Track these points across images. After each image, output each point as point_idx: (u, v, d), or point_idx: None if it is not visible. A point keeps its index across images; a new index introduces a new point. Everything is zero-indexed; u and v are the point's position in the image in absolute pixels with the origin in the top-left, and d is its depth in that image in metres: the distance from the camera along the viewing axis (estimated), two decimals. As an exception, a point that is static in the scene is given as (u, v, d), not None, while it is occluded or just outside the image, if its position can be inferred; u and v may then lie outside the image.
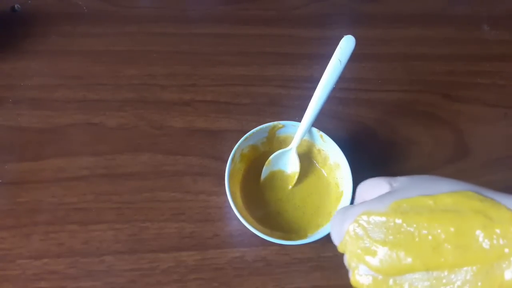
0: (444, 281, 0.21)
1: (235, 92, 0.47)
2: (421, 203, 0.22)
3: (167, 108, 0.45)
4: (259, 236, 0.33)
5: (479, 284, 0.20)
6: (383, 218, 0.22)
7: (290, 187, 0.40)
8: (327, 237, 0.33)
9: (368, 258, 0.23)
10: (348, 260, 0.24)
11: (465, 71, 0.52)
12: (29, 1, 0.52)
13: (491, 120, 0.48)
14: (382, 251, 0.22)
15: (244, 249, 0.38)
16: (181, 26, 0.52)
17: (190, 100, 0.46)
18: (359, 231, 0.23)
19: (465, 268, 0.20)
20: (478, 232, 0.20)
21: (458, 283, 0.20)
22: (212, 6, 0.55)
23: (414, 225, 0.22)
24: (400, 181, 0.25)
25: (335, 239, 0.26)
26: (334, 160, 0.39)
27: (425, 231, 0.21)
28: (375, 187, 0.26)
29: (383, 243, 0.22)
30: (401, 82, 0.50)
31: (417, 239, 0.21)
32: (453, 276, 0.21)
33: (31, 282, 0.35)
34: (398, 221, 0.22)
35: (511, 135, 0.47)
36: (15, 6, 0.51)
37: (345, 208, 0.26)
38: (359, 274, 0.23)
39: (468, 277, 0.20)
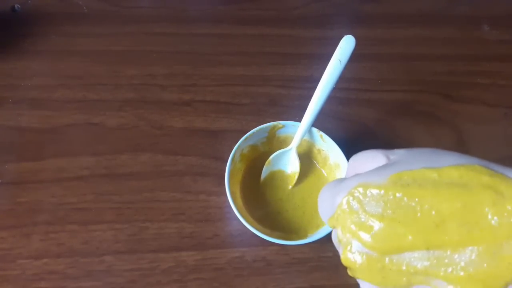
0: (446, 261, 0.19)
1: (235, 92, 0.47)
2: (424, 176, 0.20)
3: (167, 108, 0.45)
4: (259, 236, 0.33)
5: (485, 265, 0.18)
6: (382, 191, 0.20)
7: (290, 187, 0.40)
8: (327, 237, 0.33)
9: (362, 234, 0.20)
10: (339, 236, 0.22)
11: (465, 71, 0.52)
12: (29, 1, 0.52)
13: (491, 120, 0.48)
14: (379, 227, 0.20)
15: (244, 249, 0.38)
16: (181, 26, 0.52)
17: (190, 100, 0.46)
18: (354, 204, 0.21)
19: (470, 248, 0.18)
20: (487, 208, 0.18)
21: (462, 263, 0.18)
22: (212, 6, 0.55)
23: (416, 199, 0.19)
24: (398, 154, 0.23)
25: (324, 214, 0.24)
26: (334, 160, 0.39)
27: (427, 206, 0.19)
28: (370, 159, 0.24)
29: (381, 218, 0.20)
30: (401, 82, 0.50)
31: (418, 215, 0.19)
32: (456, 256, 0.19)
33: (31, 282, 0.35)
34: (399, 194, 0.20)
35: (511, 135, 0.47)
36: (15, 6, 0.51)
37: (336, 181, 0.24)
38: (351, 251, 0.21)
39: (473, 257, 0.18)
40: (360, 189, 0.21)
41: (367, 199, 0.21)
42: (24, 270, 0.35)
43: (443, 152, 0.22)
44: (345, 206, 0.21)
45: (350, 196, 0.21)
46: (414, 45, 0.53)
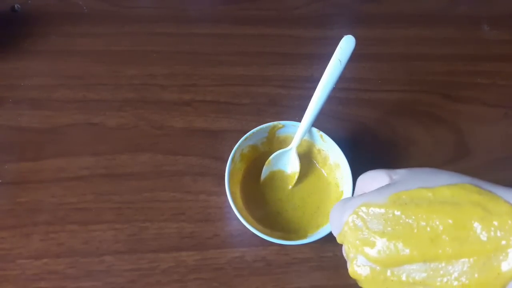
0: (441, 272, 0.21)
1: (235, 92, 0.47)
2: (420, 195, 0.22)
3: (167, 108, 0.45)
4: (259, 236, 0.33)
5: (476, 275, 0.20)
6: (382, 210, 0.23)
7: (290, 187, 0.40)
8: (327, 237, 0.34)
9: (366, 249, 0.23)
10: (346, 251, 0.24)
11: (465, 71, 0.52)
12: (29, 1, 0.52)
13: (491, 120, 0.48)
14: (380, 242, 0.22)
15: (244, 249, 0.38)
16: (181, 26, 0.52)
17: (190, 100, 0.46)
18: (358, 222, 0.23)
19: (462, 260, 0.21)
20: (476, 224, 0.20)
21: (455, 274, 0.21)
22: (212, 6, 0.55)
23: (413, 217, 0.22)
24: (399, 174, 0.25)
25: (334, 230, 0.26)
26: (334, 160, 0.39)
27: (423, 223, 0.21)
28: (375, 179, 0.26)
29: (382, 234, 0.22)
30: (401, 82, 0.50)
31: (415, 231, 0.22)
32: (450, 267, 0.21)
33: (31, 282, 0.35)
34: (397, 212, 0.22)
35: (511, 135, 0.47)
36: (15, 6, 0.51)
37: (344, 200, 0.26)
38: (357, 265, 0.23)
39: (465, 269, 0.20)
40: (364, 208, 0.23)
41: (370, 217, 0.23)
42: (24, 270, 0.35)
43: (439, 172, 0.24)
44: (350, 224, 0.24)
45: (355, 214, 0.24)
46: (414, 45, 0.53)
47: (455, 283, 0.20)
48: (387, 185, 0.25)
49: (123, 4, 0.53)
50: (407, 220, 0.22)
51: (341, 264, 0.38)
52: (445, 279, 0.21)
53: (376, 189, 0.25)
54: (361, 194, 0.25)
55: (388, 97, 0.49)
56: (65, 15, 0.51)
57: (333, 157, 0.39)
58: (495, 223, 0.20)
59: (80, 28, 0.50)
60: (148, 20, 0.52)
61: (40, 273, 0.35)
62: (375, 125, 0.47)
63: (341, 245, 0.26)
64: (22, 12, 0.51)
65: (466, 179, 0.23)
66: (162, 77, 0.48)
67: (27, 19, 0.50)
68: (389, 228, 0.22)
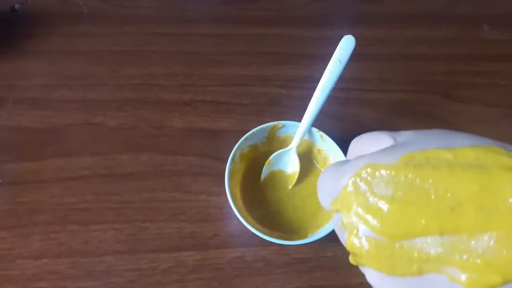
0: (461, 247, 0.17)
1: (235, 92, 0.47)
2: (438, 156, 0.18)
3: (167, 108, 0.45)
4: (259, 236, 0.33)
5: (504, 252, 0.17)
6: (392, 172, 0.18)
7: (290, 187, 0.40)
8: (327, 237, 0.34)
9: (370, 218, 0.19)
10: (343, 220, 0.20)
11: (465, 71, 0.52)
12: (29, 1, 0.52)
13: (491, 120, 0.48)
14: (389, 210, 0.18)
15: (244, 249, 0.38)
16: (181, 26, 0.52)
17: (190, 100, 0.46)
18: (362, 185, 0.19)
19: (488, 234, 0.17)
20: (507, 191, 0.17)
21: (479, 250, 0.17)
22: (212, 6, 0.55)
23: (430, 181, 0.18)
24: (406, 135, 0.21)
25: (325, 197, 0.22)
26: (334, 160, 0.39)
27: (442, 189, 0.18)
28: (374, 141, 0.22)
29: (391, 200, 0.18)
30: (401, 82, 0.50)
31: (432, 197, 0.18)
32: (473, 242, 0.17)
33: (31, 282, 0.35)
34: (411, 175, 0.18)
35: (511, 135, 0.47)
36: (15, 6, 0.51)
37: (340, 162, 0.22)
38: (357, 236, 0.19)
39: (491, 244, 0.17)
40: (369, 170, 0.19)
41: (376, 180, 0.19)
42: (24, 270, 0.35)
43: (455, 133, 0.20)
44: (351, 188, 0.20)
45: (357, 177, 0.19)
46: (414, 45, 0.53)
47: (478, 261, 0.17)
48: (395, 145, 0.20)
49: (123, 4, 0.53)
50: (422, 184, 0.18)
51: (341, 264, 0.38)
52: (465, 256, 0.17)
53: (381, 150, 0.20)
54: (363, 155, 0.20)
55: (388, 97, 0.49)
56: (65, 15, 0.51)
57: (333, 157, 0.39)
58: None
59: (80, 28, 0.50)
60: (148, 20, 0.52)
61: (40, 273, 0.35)
62: (375, 125, 0.47)
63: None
64: (22, 12, 0.51)
65: (490, 141, 0.19)
66: (162, 77, 0.48)
67: (27, 19, 0.50)
68: (400, 193, 0.18)
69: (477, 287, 0.17)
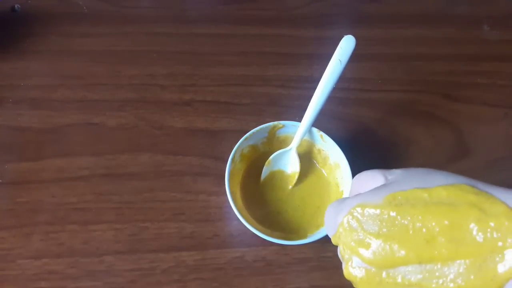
0: (437, 274, 0.21)
1: (235, 92, 0.47)
2: (416, 196, 0.22)
3: (167, 108, 0.45)
4: (259, 236, 0.33)
5: (472, 277, 0.20)
6: (378, 211, 0.22)
7: (290, 187, 0.40)
8: (327, 237, 0.33)
9: (361, 250, 0.22)
10: (341, 252, 0.24)
11: (465, 71, 0.52)
12: (29, 1, 0.52)
13: (491, 120, 0.48)
14: (375, 243, 0.22)
15: (244, 249, 0.38)
16: (181, 26, 0.52)
17: (190, 100, 0.46)
18: (353, 223, 0.23)
19: (458, 261, 0.20)
20: (472, 225, 0.20)
21: (451, 276, 0.20)
22: (212, 6, 0.55)
23: (409, 218, 0.21)
24: (395, 174, 0.25)
25: (329, 231, 0.26)
26: (334, 160, 0.39)
27: (419, 224, 0.21)
28: (370, 179, 0.26)
29: (377, 235, 0.22)
30: (401, 82, 0.50)
31: (411, 232, 0.21)
32: (446, 269, 0.21)
33: (31, 282, 0.35)
34: (393, 213, 0.22)
35: (511, 135, 0.47)
36: (15, 6, 0.51)
37: (339, 201, 0.26)
38: (352, 266, 0.23)
39: (461, 270, 0.20)
40: (359, 209, 0.23)
41: (365, 218, 0.23)
42: (24, 270, 0.35)
43: (435, 172, 0.24)
44: (345, 225, 0.23)
45: (350, 215, 0.23)
46: (414, 45, 0.53)
47: (451, 285, 0.20)
48: (383, 186, 0.24)
49: (123, 4, 0.53)
50: (402, 221, 0.22)
51: (341, 264, 0.38)
52: (440, 281, 0.21)
53: (371, 190, 0.24)
54: (356, 195, 0.25)
55: (388, 97, 0.49)
56: (65, 15, 0.51)
57: (333, 157, 0.39)
58: (492, 224, 0.20)
59: (80, 28, 0.50)
60: (148, 20, 0.52)
61: (40, 273, 0.35)
62: (375, 125, 0.47)
63: None
64: (22, 12, 0.51)
65: (463, 179, 0.23)
66: (162, 77, 0.48)
67: (27, 19, 0.50)
68: (385, 229, 0.22)
69: None
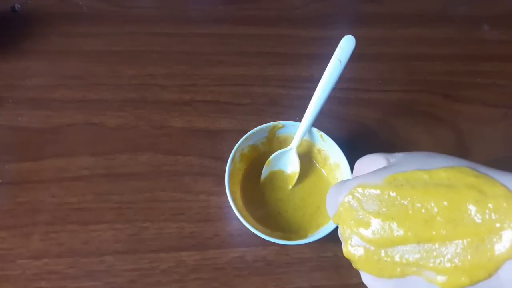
0: (434, 253, 0.21)
1: (235, 92, 0.47)
2: (416, 177, 0.22)
3: (167, 108, 0.45)
4: (259, 236, 0.33)
5: (469, 257, 0.20)
6: (378, 191, 0.23)
7: (290, 187, 0.40)
8: (327, 237, 0.34)
9: (361, 230, 0.23)
10: (341, 231, 0.24)
11: (465, 71, 0.52)
12: (29, 1, 0.52)
13: (491, 120, 0.48)
14: (375, 223, 0.22)
15: (244, 249, 0.38)
16: (181, 26, 0.52)
17: (190, 100, 0.46)
18: (354, 203, 0.23)
19: (455, 242, 0.21)
20: (470, 206, 0.20)
21: (448, 256, 0.21)
22: (212, 6, 0.55)
23: (408, 198, 0.22)
24: (397, 157, 0.25)
25: (330, 211, 0.26)
26: (334, 160, 0.39)
27: (418, 204, 0.22)
28: (372, 162, 0.26)
29: (377, 215, 0.22)
30: (401, 82, 0.50)
31: (410, 212, 0.22)
32: (443, 249, 0.21)
33: (31, 282, 0.35)
34: (393, 194, 0.22)
35: (511, 135, 0.47)
36: (15, 6, 0.51)
37: (341, 182, 0.26)
38: (351, 245, 0.23)
39: (458, 250, 0.20)
40: (359, 189, 0.23)
41: (365, 198, 0.23)
42: (24, 270, 0.35)
43: (436, 155, 0.24)
44: (346, 205, 0.24)
45: (350, 195, 0.24)
46: (414, 45, 0.53)
47: (448, 264, 0.21)
48: (384, 167, 0.24)
49: (123, 4, 0.53)
50: (402, 201, 0.22)
51: (341, 264, 0.38)
52: (438, 261, 0.21)
53: (373, 171, 0.25)
54: (357, 176, 0.25)
55: (388, 97, 0.49)
56: (65, 15, 0.51)
57: (333, 157, 0.39)
58: (490, 205, 0.20)
59: (80, 28, 0.50)
60: (148, 20, 0.52)
61: (40, 273, 0.35)
62: (375, 125, 0.47)
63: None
64: (22, 12, 0.51)
65: (463, 162, 0.23)
66: (162, 77, 0.48)
67: (27, 19, 0.50)
68: (384, 209, 0.22)
69: (450, 287, 0.21)
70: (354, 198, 0.23)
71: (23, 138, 0.42)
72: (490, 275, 0.20)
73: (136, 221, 0.38)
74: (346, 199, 0.24)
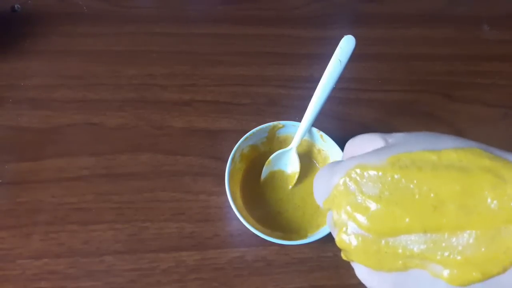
0: (443, 244, 0.18)
1: (235, 92, 0.47)
2: (423, 158, 0.19)
3: (167, 108, 0.45)
4: (259, 236, 0.33)
5: (483, 249, 0.18)
6: (380, 173, 0.20)
7: (290, 187, 0.40)
8: (327, 237, 0.33)
9: (358, 216, 0.20)
10: (334, 218, 0.21)
11: (465, 71, 0.52)
12: (29, 1, 0.52)
13: (491, 120, 0.48)
14: (375, 208, 0.19)
15: (244, 249, 0.38)
16: (181, 26, 0.52)
17: (190, 100, 0.46)
18: (351, 185, 0.20)
19: (468, 232, 0.18)
20: (486, 192, 0.18)
21: (459, 247, 0.18)
22: (212, 6, 0.55)
23: (415, 181, 0.19)
24: (396, 137, 0.22)
25: (319, 196, 0.23)
26: (334, 160, 0.39)
27: (426, 188, 0.19)
28: (367, 142, 0.23)
29: (378, 199, 0.19)
30: (401, 82, 0.50)
31: (416, 197, 0.19)
32: (454, 239, 0.18)
33: (31, 282, 0.35)
34: (397, 176, 0.19)
35: (511, 135, 0.47)
36: (15, 6, 0.51)
37: (334, 163, 0.23)
38: (346, 233, 0.20)
39: (471, 241, 0.18)
40: (358, 170, 0.20)
41: (365, 180, 0.20)
42: (24, 270, 0.35)
43: (442, 135, 0.21)
44: (341, 187, 0.21)
45: (347, 177, 0.21)
46: (414, 45, 0.53)
47: (458, 257, 0.18)
48: (384, 147, 0.22)
49: (123, 4, 0.53)
50: (407, 184, 0.19)
51: (341, 264, 0.38)
52: (446, 253, 0.18)
53: (371, 151, 0.22)
54: (354, 156, 0.22)
55: (388, 97, 0.49)
56: (65, 15, 0.51)
57: (333, 157, 0.39)
58: (509, 191, 0.17)
59: (80, 28, 0.50)
60: (148, 20, 0.52)
61: (40, 273, 0.35)
62: (375, 125, 0.47)
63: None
64: (22, 12, 0.51)
65: (474, 143, 0.20)
66: (162, 77, 0.48)
67: (27, 19, 0.50)
68: (387, 193, 0.19)
69: (458, 282, 0.18)
70: (352, 180, 0.20)
71: (23, 138, 0.42)
72: (504, 270, 0.17)
73: (136, 221, 0.38)
74: (341, 181, 0.21)
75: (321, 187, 0.22)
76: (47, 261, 0.36)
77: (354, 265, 0.22)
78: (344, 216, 0.21)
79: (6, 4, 0.51)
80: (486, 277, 0.18)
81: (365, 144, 0.23)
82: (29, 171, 0.40)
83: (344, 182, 0.21)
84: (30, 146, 0.41)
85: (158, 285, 0.36)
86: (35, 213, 0.38)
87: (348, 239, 0.20)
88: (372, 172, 0.20)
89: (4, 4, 0.51)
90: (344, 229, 0.21)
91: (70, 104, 0.45)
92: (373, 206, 0.20)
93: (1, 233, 0.37)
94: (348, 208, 0.20)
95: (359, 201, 0.20)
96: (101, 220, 0.38)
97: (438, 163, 0.19)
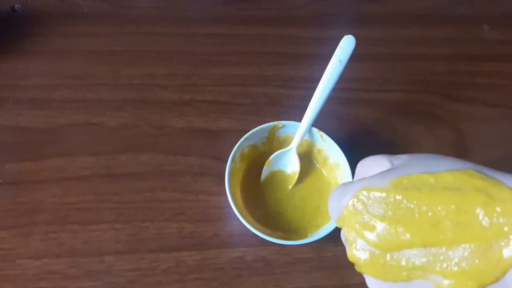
0: (441, 257, 0.21)
1: (235, 92, 0.47)
2: (422, 180, 0.22)
3: (167, 108, 0.45)
4: (259, 236, 0.33)
5: (477, 261, 0.20)
6: (383, 194, 0.22)
7: (290, 187, 0.40)
8: (327, 237, 0.34)
9: (366, 233, 0.23)
10: (345, 235, 0.24)
11: (465, 71, 0.52)
12: (29, 1, 0.52)
13: (491, 120, 0.48)
14: (380, 226, 0.22)
15: (244, 249, 0.38)
16: (181, 26, 0.52)
17: (190, 100, 0.46)
18: (359, 206, 0.23)
19: (463, 245, 0.20)
20: (478, 210, 0.20)
21: (456, 259, 0.20)
22: (212, 6, 0.55)
23: (415, 202, 0.22)
24: (401, 159, 0.25)
25: (333, 214, 0.26)
26: (334, 160, 0.39)
27: (425, 208, 0.21)
28: (375, 164, 0.26)
29: (382, 218, 0.22)
30: (401, 82, 0.50)
31: (416, 216, 0.21)
32: (450, 252, 0.21)
33: (31, 282, 0.35)
34: (399, 197, 0.22)
35: (511, 135, 0.47)
36: (15, 6, 0.51)
37: (345, 184, 0.26)
38: (356, 248, 0.23)
39: (465, 254, 0.20)
40: (364, 192, 0.23)
41: (370, 201, 0.23)
42: (24, 270, 0.35)
43: (441, 158, 0.24)
44: (350, 208, 0.24)
45: (355, 198, 0.23)
46: (414, 45, 0.53)
47: (455, 268, 0.20)
48: (389, 170, 0.24)
49: (123, 4, 0.53)
50: (408, 204, 0.22)
51: (341, 264, 0.38)
52: (444, 265, 0.21)
53: (377, 174, 0.24)
54: (362, 178, 0.25)
55: (388, 97, 0.49)
56: (65, 15, 0.51)
57: (333, 157, 0.39)
58: (498, 209, 0.20)
59: (80, 28, 0.50)
60: (148, 20, 0.52)
61: (40, 273, 0.35)
62: (375, 125, 0.47)
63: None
64: (22, 12, 0.51)
65: (469, 165, 0.22)
66: (162, 77, 0.48)
67: (27, 19, 0.50)
68: (390, 212, 0.22)
69: None
70: (359, 201, 0.23)
71: (23, 138, 0.42)
72: (497, 280, 0.20)
73: (136, 221, 0.38)
74: (350, 202, 0.23)
75: (334, 207, 0.25)
76: (47, 261, 0.36)
77: (365, 276, 0.24)
78: (353, 234, 0.23)
79: (6, 4, 0.51)
80: (481, 286, 0.20)
81: (373, 165, 0.26)
82: (29, 171, 0.40)
83: (352, 203, 0.23)
84: (30, 146, 0.41)
85: (158, 285, 0.36)
86: (35, 213, 0.38)
87: (358, 254, 0.23)
88: (377, 194, 0.23)
89: (4, 4, 0.51)
90: (354, 245, 0.23)
91: (70, 104, 0.45)
92: (378, 224, 0.22)
93: (1, 233, 0.37)
94: (357, 226, 0.23)
95: (366, 220, 0.23)
96: (101, 220, 0.38)
97: (435, 185, 0.22)
